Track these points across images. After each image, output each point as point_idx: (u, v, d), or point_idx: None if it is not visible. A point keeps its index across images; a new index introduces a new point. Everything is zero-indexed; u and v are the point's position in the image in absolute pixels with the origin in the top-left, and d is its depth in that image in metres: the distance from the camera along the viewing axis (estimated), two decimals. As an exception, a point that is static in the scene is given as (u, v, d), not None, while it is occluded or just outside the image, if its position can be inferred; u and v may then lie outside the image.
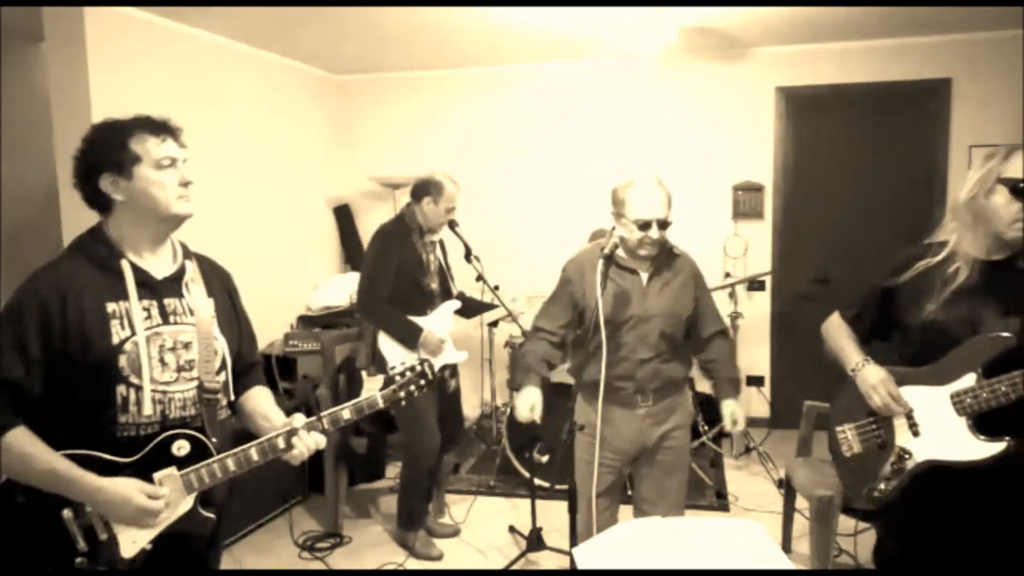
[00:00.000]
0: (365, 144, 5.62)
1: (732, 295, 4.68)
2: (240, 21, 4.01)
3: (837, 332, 2.14)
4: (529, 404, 2.46)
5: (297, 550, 3.56)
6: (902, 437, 1.96)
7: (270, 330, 4.43)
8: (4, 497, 1.56)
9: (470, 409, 5.04)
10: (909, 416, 1.95)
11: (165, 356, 1.62)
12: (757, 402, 5.17)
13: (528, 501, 3.45)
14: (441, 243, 3.64)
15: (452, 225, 3.50)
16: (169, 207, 1.63)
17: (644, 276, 2.43)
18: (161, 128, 1.66)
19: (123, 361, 1.56)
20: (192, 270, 1.73)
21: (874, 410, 1.99)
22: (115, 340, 1.56)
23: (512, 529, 3.69)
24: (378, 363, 3.44)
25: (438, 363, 3.38)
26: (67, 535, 1.54)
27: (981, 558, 1.90)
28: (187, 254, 1.76)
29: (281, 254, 4.93)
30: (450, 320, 3.56)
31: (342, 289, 4.77)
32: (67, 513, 1.54)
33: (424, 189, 3.44)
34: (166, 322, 1.64)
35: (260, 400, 1.87)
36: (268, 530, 3.79)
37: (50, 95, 3.54)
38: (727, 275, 4.96)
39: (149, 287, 1.64)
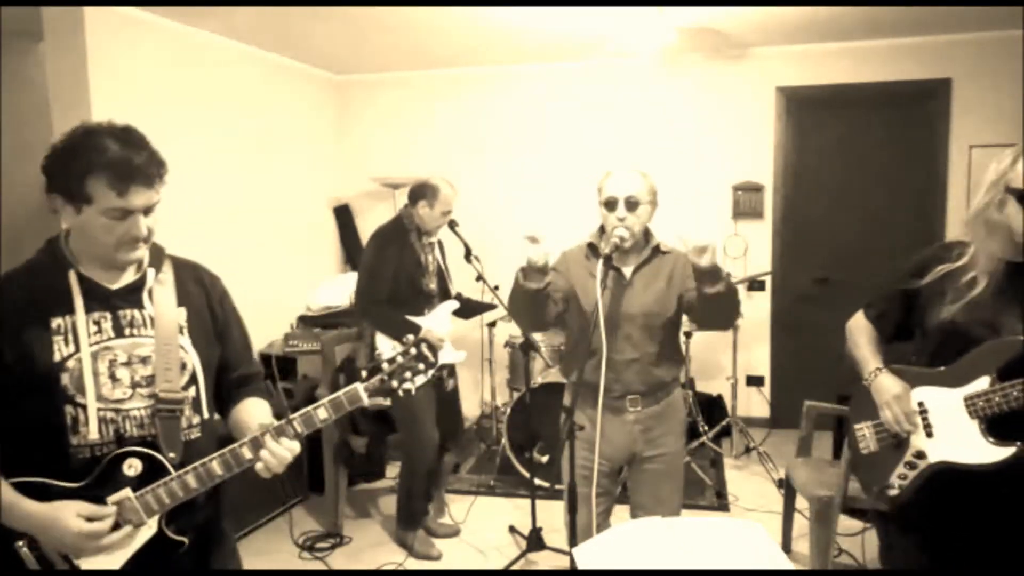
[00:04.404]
0: (365, 144, 5.62)
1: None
2: (240, 21, 4.01)
3: (859, 333, 2.11)
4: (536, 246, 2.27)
5: (297, 550, 3.57)
6: (917, 437, 1.95)
7: (270, 330, 4.43)
8: None
9: (470, 409, 5.04)
10: (924, 417, 1.94)
11: (117, 372, 1.49)
12: (757, 402, 5.17)
13: (528, 501, 3.45)
14: (439, 244, 3.65)
15: (452, 225, 3.51)
16: (108, 254, 1.48)
17: (628, 271, 2.40)
18: (125, 176, 1.41)
19: (66, 379, 1.44)
20: (154, 278, 1.57)
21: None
22: (56, 357, 1.44)
23: (512, 529, 3.69)
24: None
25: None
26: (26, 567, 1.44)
27: (988, 561, 1.90)
28: (157, 260, 1.59)
29: (281, 254, 4.93)
30: (448, 320, 3.56)
31: (342, 289, 4.76)
32: (21, 544, 1.44)
33: (420, 192, 3.45)
34: (120, 335, 1.50)
35: (250, 411, 1.67)
36: (268, 530, 3.79)
37: (50, 95, 3.54)
38: (727, 275, 4.95)
39: (101, 299, 1.50)
